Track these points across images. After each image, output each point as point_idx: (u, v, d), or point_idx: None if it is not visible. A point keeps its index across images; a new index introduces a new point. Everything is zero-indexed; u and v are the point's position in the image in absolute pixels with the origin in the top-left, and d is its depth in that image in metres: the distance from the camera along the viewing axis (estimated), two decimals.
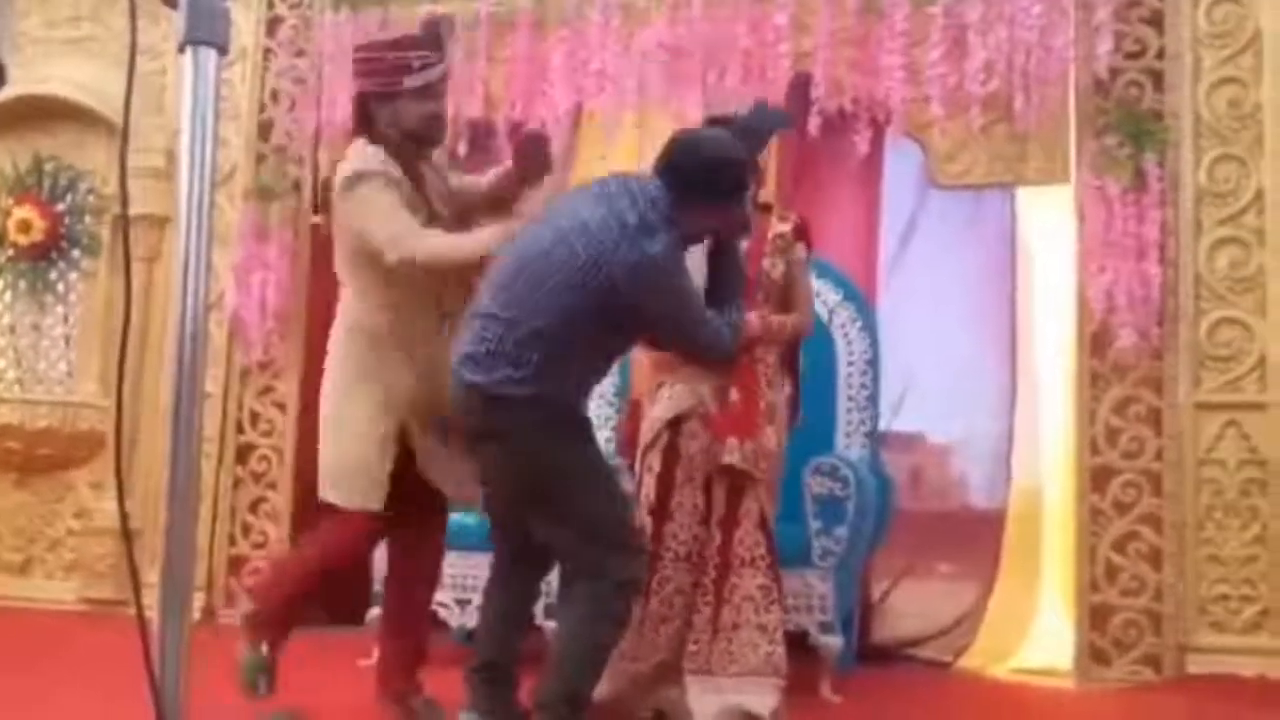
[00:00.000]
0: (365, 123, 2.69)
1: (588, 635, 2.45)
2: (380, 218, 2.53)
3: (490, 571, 2.68)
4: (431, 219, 2.64)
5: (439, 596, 3.52)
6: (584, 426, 2.57)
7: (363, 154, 2.62)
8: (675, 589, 2.83)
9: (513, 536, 2.60)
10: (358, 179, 2.57)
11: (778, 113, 2.78)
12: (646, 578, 2.73)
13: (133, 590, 1.26)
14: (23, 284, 4.80)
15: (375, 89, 2.65)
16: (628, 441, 3.01)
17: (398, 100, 2.62)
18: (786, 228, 3.01)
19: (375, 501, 2.57)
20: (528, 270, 2.42)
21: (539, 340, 2.38)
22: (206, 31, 1.24)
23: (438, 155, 2.79)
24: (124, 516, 1.33)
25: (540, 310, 2.38)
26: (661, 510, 2.85)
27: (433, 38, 2.70)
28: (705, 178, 2.47)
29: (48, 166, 4.80)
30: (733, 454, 2.82)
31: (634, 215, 2.40)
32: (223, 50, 1.26)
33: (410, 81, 2.62)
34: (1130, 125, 3.64)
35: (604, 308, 2.40)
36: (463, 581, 3.52)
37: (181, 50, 1.24)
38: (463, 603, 3.55)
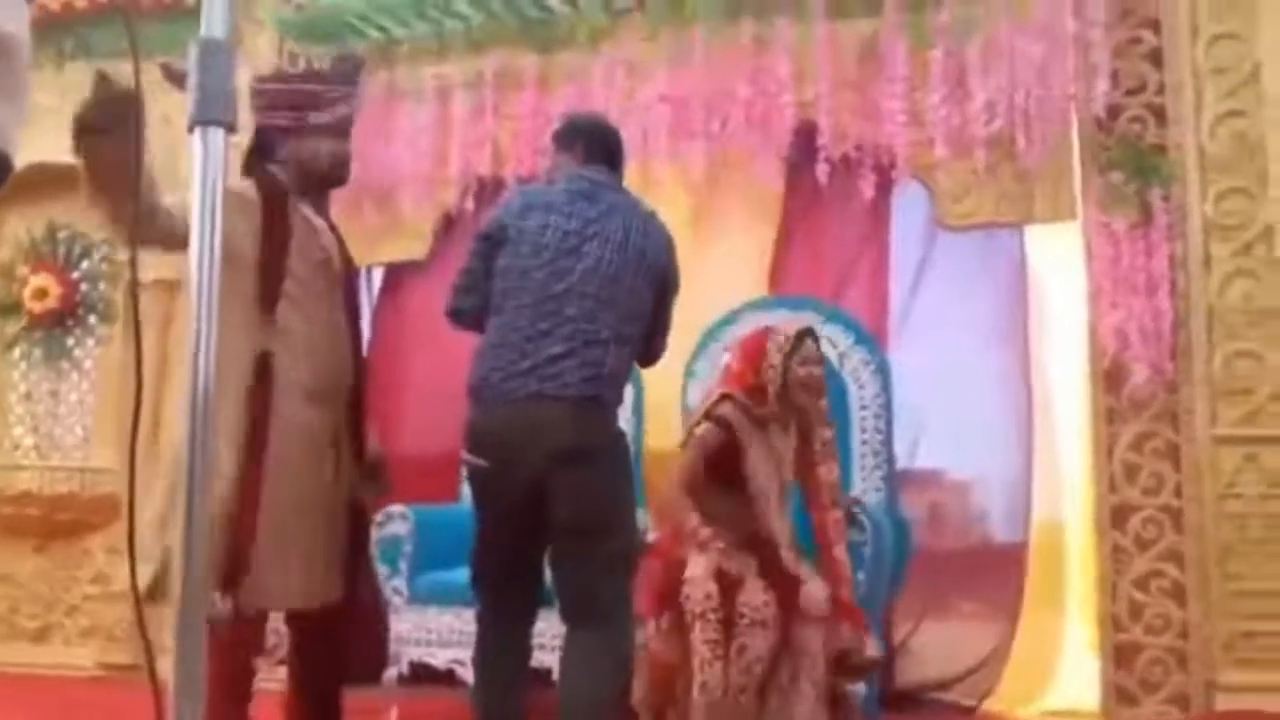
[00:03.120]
0: (265, 159, 2.51)
1: (612, 690, 2.43)
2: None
3: (482, 634, 2.61)
4: (268, 261, 2.38)
5: (454, 654, 3.52)
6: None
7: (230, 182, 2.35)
8: (754, 656, 2.81)
9: (512, 585, 2.57)
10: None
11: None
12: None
13: (145, 653, 1.27)
14: (39, 351, 4.85)
15: (282, 123, 2.49)
16: (658, 597, 2.89)
17: (305, 136, 2.48)
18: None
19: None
20: (600, 284, 2.47)
21: (621, 352, 2.50)
22: (215, 112, 1.26)
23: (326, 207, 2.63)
24: (134, 578, 1.35)
25: (624, 318, 2.49)
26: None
27: (345, 74, 2.58)
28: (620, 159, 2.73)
29: (62, 234, 4.86)
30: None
31: (634, 198, 2.64)
32: (231, 129, 1.28)
33: (318, 118, 2.48)
34: (1134, 161, 3.64)
35: (653, 297, 2.59)
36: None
37: (191, 130, 1.26)
38: None
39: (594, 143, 2.67)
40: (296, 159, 2.49)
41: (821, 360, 3.08)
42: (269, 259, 2.38)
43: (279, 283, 2.40)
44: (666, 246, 2.62)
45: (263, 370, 2.34)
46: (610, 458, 2.49)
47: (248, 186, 2.43)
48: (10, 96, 0.90)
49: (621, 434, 2.60)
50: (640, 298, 2.54)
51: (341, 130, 2.53)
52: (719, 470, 2.91)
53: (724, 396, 2.97)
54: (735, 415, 2.93)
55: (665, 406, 4.04)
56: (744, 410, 2.95)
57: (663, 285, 2.61)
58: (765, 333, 3.07)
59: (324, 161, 2.51)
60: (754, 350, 3.03)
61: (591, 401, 2.44)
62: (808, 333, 3.05)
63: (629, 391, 4.01)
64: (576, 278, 2.47)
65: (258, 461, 2.30)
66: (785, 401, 2.99)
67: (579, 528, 2.43)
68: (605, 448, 2.47)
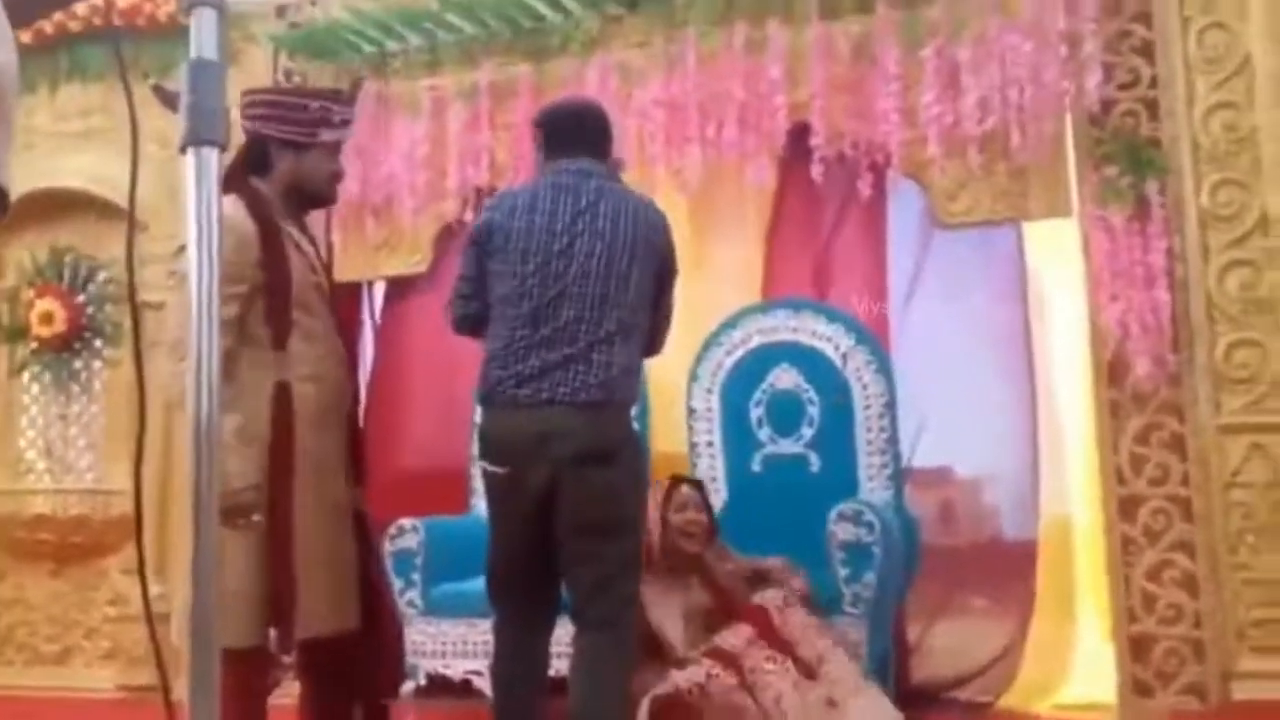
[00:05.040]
0: (255, 170, 2.48)
1: (622, 691, 2.45)
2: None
3: (499, 645, 2.62)
4: (275, 288, 2.39)
5: (470, 665, 3.54)
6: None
7: (224, 208, 2.28)
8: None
9: (528, 594, 2.58)
10: None
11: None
12: None
13: (158, 673, 1.28)
14: (48, 375, 4.88)
15: (287, 137, 2.46)
16: None
17: (308, 152, 2.47)
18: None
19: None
20: (595, 281, 2.46)
21: (628, 345, 2.49)
22: (208, 131, 1.28)
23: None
24: (146, 598, 1.36)
25: (627, 309, 2.48)
26: None
27: (351, 98, 2.60)
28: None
29: (67, 258, 4.89)
30: None
31: (621, 184, 2.61)
32: (223, 148, 1.30)
33: (327, 135, 2.48)
34: (1129, 155, 3.64)
35: (654, 281, 2.56)
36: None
37: (183, 151, 1.28)
38: None
39: (570, 131, 2.64)
40: (296, 174, 2.48)
41: (700, 505, 3.07)
42: (275, 290, 2.38)
43: (288, 313, 2.40)
44: (662, 226, 2.60)
45: (283, 401, 2.35)
46: (624, 458, 2.49)
47: (238, 212, 2.38)
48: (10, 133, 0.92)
49: (635, 435, 2.61)
50: (642, 283, 2.52)
51: (340, 151, 2.55)
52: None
53: None
54: None
55: (669, 410, 4.06)
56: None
57: (662, 266, 2.58)
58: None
59: (323, 180, 2.52)
60: None
61: (604, 405, 2.45)
62: (681, 479, 3.08)
63: None
64: (571, 278, 2.46)
65: (288, 494, 2.31)
66: (675, 554, 2.98)
67: (592, 527, 2.44)
68: (619, 448, 2.47)
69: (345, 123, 2.53)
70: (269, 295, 2.37)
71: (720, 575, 3.05)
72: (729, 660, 2.75)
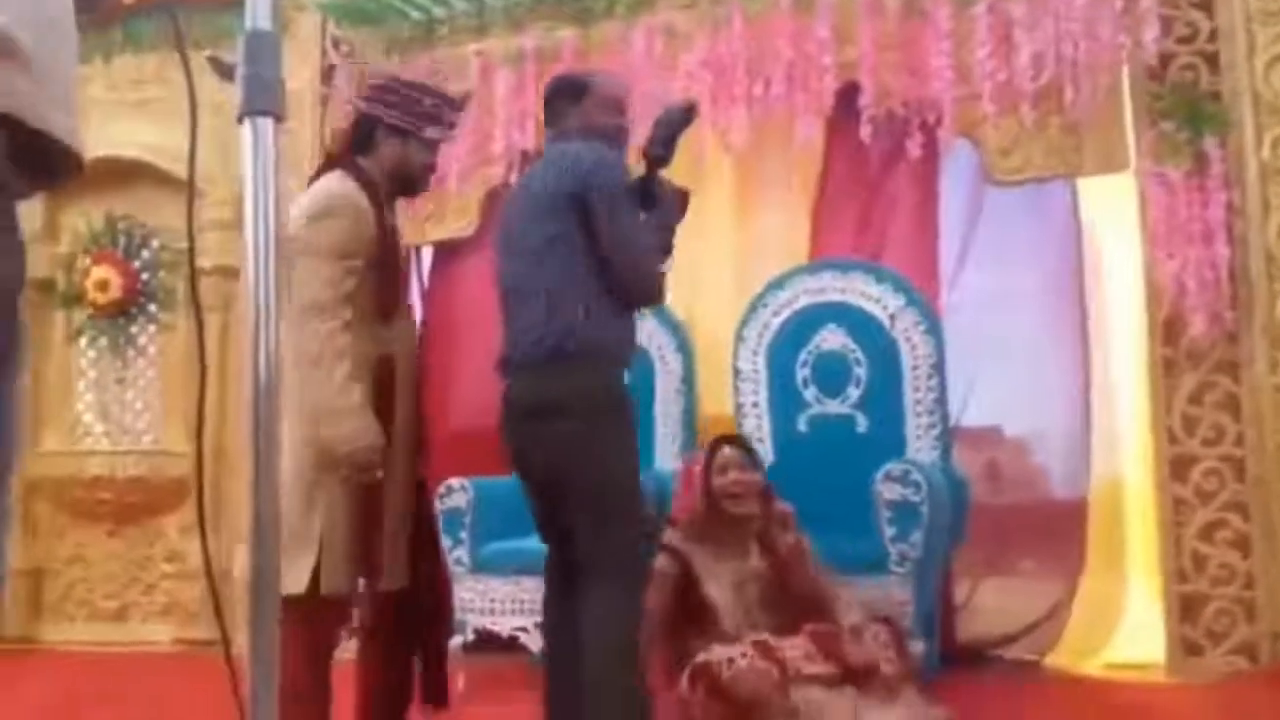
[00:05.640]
0: (359, 147, 2.58)
1: (616, 649, 2.39)
2: (323, 272, 2.35)
3: (545, 592, 2.67)
4: (384, 263, 2.48)
5: (520, 622, 3.59)
6: (625, 404, 2.51)
7: (338, 183, 2.46)
8: None
9: (554, 547, 2.62)
10: (327, 213, 2.42)
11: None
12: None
13: (219, 629, 1.32)
14: (104, 340, 4.98)
15: (398, 123, 2.57)
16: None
17: (412, 141, 2.58)
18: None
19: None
20: (518, 240, 2.55)
21: (563, 302, 2.45)
22: (264, 102, 1.28)
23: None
24: (206, 555, 1.40)
25: (554, 263, 2.47)
26: None
27: (462, 105, 2.75)
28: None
29: (121, 225, 4.97)
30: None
31: (575, 149, 2.54)
32: (280, 118, 1.30)
33: (432, 132, 2.60)
34: (1188, 109, 3.58)
35: (578, 220, 2.45)
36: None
37: (240, 121, 1.29)
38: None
39: (546, 113, 2.71)
40: (398, 161, 2.58)
41: (746, 464, 2.97)
42: (386, 264, 2.49)
43: (396, 288, 2.53)
44: (572, 166, 2.47)
45: (385, 375, 2.45)
46: (576, 412, 2.41)
47: (350, 187, 2.49)
48: (61, 93, 0.93)
49: (598, 388, 2.46)
50: (559, 231, 2.46)
51: (438, 149, 2.66)
52: (687, 609, 2.87)
53: (670, 522, 2.96)
54: (685, 544, 2.90)
55: (716, 371, 4.07)
56: (695, 537, 2.92)
57: (582, 206, 2.44)
58: (695, 455, 3.09)
59: (419, 171, 2.62)
60: (688, 475, 3.01)
61: (545, 362, 2.45)
62: (724, 439, 3.01)
63: (678, 360, 4.07)
64: (515, 250, 2.56)
65: (389, 463, 2.43)
66: (723, 519, 2.90)
67: (553, 484, 2.48)
68: (564, 403, 2.42)
69: (451, 125, 2.67)
70: (380, 270, 2.47)
71: (781, 545, 3.01)
72: (769, 652, 2.73)
